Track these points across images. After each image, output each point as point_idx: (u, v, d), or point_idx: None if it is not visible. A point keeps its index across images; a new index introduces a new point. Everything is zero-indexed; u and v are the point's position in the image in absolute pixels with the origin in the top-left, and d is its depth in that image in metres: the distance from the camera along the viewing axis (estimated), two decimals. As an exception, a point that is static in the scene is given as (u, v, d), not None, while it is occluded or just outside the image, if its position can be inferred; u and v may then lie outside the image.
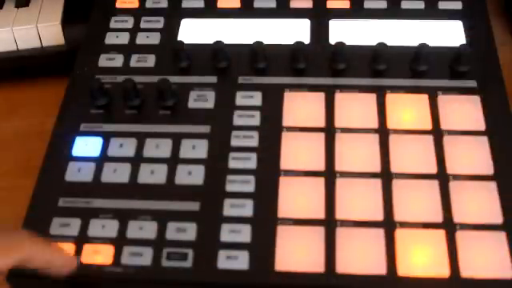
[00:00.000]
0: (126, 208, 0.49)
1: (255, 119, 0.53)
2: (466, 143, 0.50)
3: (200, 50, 0.58)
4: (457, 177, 0.49)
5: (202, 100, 0.55)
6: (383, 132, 0.51)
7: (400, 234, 0.46)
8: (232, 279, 0.45)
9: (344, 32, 0.59)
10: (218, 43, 0.56)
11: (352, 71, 0.56)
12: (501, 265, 0.44)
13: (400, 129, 0.52)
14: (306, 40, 0.58)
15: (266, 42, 0.56)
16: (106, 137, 0.53)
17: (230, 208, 0.48)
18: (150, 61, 0.58)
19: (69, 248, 0.47)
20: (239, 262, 0.45)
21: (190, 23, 0.61)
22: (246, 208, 0.48)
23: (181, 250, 0.46)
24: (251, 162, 0.50)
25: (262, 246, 0.46)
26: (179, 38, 0.60)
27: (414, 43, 0.55)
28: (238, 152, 0.51)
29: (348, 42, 0.56)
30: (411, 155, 0.50)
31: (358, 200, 0.48)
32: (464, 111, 0.52)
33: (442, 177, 0.49)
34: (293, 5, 0.62)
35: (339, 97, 0.54)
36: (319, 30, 0.59)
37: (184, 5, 0.63)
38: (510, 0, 0.66)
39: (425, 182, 0.48)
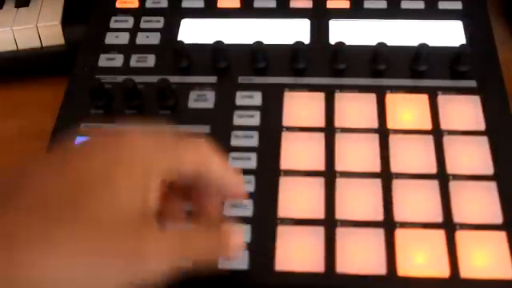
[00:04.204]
0: (125, 208, 0.49)
1: (255, 119, 0.53)
2: (466, 143, 0.50)
3: (200, 50, 0.58)
4: (457, 177, 0.49)
5: (202, 100, 0.55)
6: (383, 132, 0.51)
7: (400, 234, 0.46)
8: (232, 279, 0.45)
9: (344, 32, 0.59)
10: (218, 43, 0.56)
11: (352, 71, 0.56)
12: (501, 265, 0.44)
13: (400, 129, 0.52)
14: (306, 40, 0.58)
15: (266, 42, 0.56)
16: (106, 137, 0.53)
17: (229, 208, 0.48)
18: (150, 61, 0.58)
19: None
20: (239, 262, 0.45)
21: (189, 23, 0.61)
22: (246, 208, 0.48)
23: (181, 249, 0.46)
24: (251, 161, 0.50)
25: (262, 246, 0.46)
26: (179, 38, 0.60)
27: (414, 43, 0.55)
28: (238, 152, 0.51)
29: (348, 42, 0.56)
30: (411, 155, 0.50)
31: (358, 200, 0.48)
32: (464, 111, 0.52)
33: (442, 177, 0.49)
34: (293, 5, 0.62)
35: (339, 97, 0.54)
36: (319, 30, 0.59)
37: (184, 5, 0.63)
38: (510, 0, 0.66)
39: (425, 182, 0.48)
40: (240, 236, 0.39)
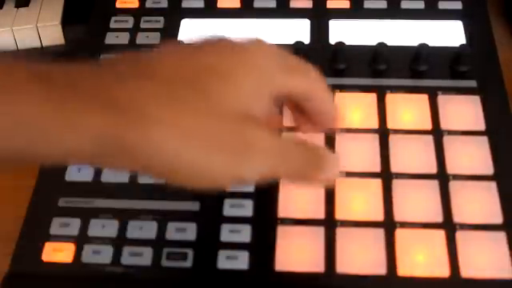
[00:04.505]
0: (125, 208, 0.49)
1: (255, 119, 0.53)
2: (466, 143, 0.50)
3: (200, 50, 0.58)
4: (457, 177, 0.49)
5: (202, 100, 0.54)
6: (383, 132, 0.51)
7: (400, 233, 0.46)
8: (232, 279, 0.45)
9: (344, 32, 0.59)
10: (218, 43, 0.56)
11: (352, 71, 0.56)
12: (501, 265, 0.44)
13: (400, 129, 0.52)
14: (306, 40, 0.58)
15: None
16: (106, 137, 0.53)
17: (229, 208, 0.48)
18: (150, 61, 0.58)
19: (69, 248, 0.47)
20: (239, 261, 0.45)
21: (189, 23, 0.61)
22: (246, 208, 0.48)
23: (181, 249, 0.46)
24: (251, 161, 0.50)
25: (262, 246, 0.46)
26: (179, 38, 0.60)
27: (414, 43, 0.55)
28: (238, 152, 0.51)
29: (348, 42, 0.56)
30: (411, 155, 0.50)
31: (358, 200, 0.48)
32: (464, 111, 0.52)
33: (442, 177, 0.49)
34: (293, 5, 0.62)
35: (339, 97, 0.54)
36: (319, 30, 0.59)
37: (184, 5, 0.63)
38: (510, 0, 0.66)
39: (425, 182, 0.48)
40: (338, 163, 0.40)
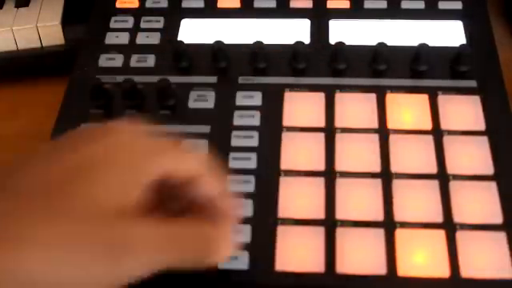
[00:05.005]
0: (125, 208, 0.49)
1: (255, 119, 0.53)
2: (466, 143, 0.50)
3: (200, 50, 0.58)
4: (457, 177, 0.49)
5: (202, 100, 0.55)
6: (383, 132, 0.51)
7: (400, 234, 0.46)
8: (232, 279, 0.45)
9: (344, 32, 0.59)
10: (218, 43, 0.56)
11: (352, 71, 0.56)
12: (501, 265, 0.44)
13: (400, 129, 0.52)
14: (306, 40, 0.58)
15: (266, 41, 0.56)
16: (106, 137, 0.53)
17: (229, 207, 0.48)
18: (150, 61, 0.58)
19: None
20: (239, 262, 0.45)
21: (190, 23, 0.61)
22: (246, 208, 0.48)
23: (181, 250, 0.46)
24: (251, 162, 0.50)
25: (262, 246, 0.46)
26: (179, 38, 0.60)
27: (414, 43, 0.55)
28: (238, 152, 0.51)
29: (348, 42, 0.56)
30: (411, 155, 0.50)
31: (358, 200, 0.48)
32: (464, 111, 0.52)
33: (442, 177, 0.49)
34: (293, 5, 0.62)
35: (339, 97, 0.54)
36: (319, 30, 0.59)
37: (184, 5, 0.63)
38: (510, 0, 0.66)
39: (425, 182, 0.48)
40: (230, 239, 0.36)
